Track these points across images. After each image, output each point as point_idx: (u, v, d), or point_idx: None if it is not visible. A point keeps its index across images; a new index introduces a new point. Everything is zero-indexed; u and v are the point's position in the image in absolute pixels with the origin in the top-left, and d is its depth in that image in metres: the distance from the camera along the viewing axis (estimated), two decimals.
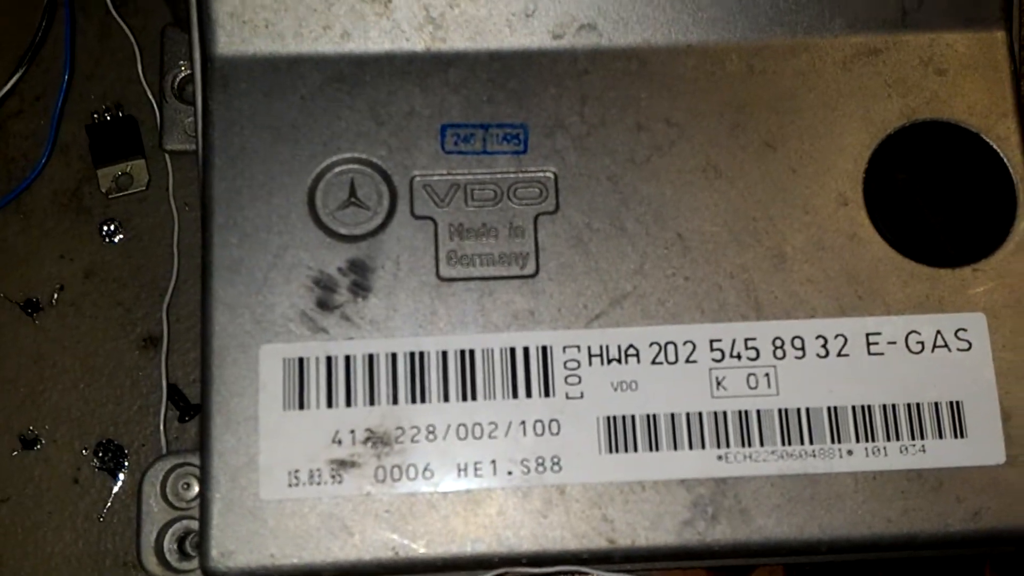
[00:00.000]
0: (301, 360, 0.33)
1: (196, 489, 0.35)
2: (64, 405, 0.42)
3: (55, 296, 0.43)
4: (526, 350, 0.33)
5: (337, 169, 0.34)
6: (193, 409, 0.41)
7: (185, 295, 0.43)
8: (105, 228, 0.43)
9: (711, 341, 0.33)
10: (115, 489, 0.41)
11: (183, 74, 0.44)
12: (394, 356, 0.33)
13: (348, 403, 0.32)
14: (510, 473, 0.32)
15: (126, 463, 0.41)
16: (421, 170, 0.34)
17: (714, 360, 0.33)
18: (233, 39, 0.35)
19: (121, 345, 0.42)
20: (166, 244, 0.43)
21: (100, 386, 0.42)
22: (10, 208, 0.43)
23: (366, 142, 0.34)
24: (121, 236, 0.44)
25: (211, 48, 0.35)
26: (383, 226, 0.34)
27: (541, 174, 0.34)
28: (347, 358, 0.33)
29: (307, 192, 0.34)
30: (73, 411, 0.42)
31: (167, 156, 0.43)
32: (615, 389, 0.33)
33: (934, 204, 0.35)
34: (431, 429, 0.32)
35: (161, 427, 0.40)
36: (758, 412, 0.33)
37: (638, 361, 0.33)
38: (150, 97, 0.44)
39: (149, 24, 0.45)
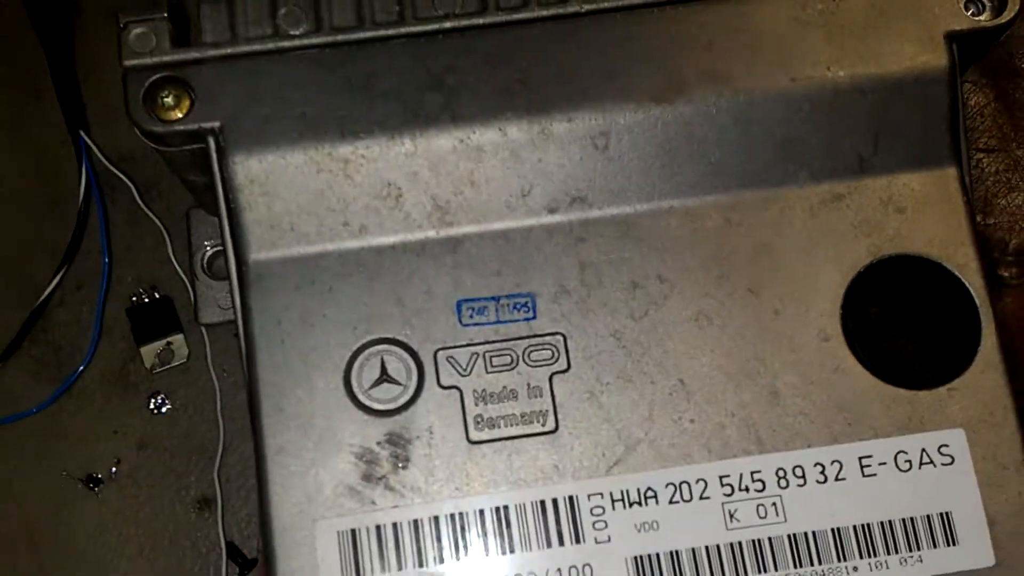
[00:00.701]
0: (354, 532, 0.36)
1: None
2: (130, 574, 0.45)
3: (113, 469, 0.46)
4: (555, 501, 0.36)
5: (368, 351, 0.38)
6: (251, 565, 0.45)
7: (232, 455, 0.46)
8: (153, 401, 0.47)
9: (720, 477, 0.37)
10: None
11: (210, 252, 0.48)
12: (436, 519, 0.36)
13: (399, 567, 0.36)
14: None
15: None
16: (443, 344, 0.38)
17: (725, 495, 0.36)
18: (263, 243, 0.38)
19: (178, 509, 0.46)
20: (210, 410, 0.47)
21: (163, 550, 0.45)
22: (64, 392, 0.47)
23: (391, 323, 0.38)
24: (168, 407, 0.47)
25: (244, 253, 0.38)
26: (414, 399, 0.37)
27: (551, 337, 0.38)
28: (395, 525, 0.36)
29: (343, 374, 0.37)
30: None
31: (203, 329, 0.47)
32: (639, 530, 0.36)
33: (907, 332, 0.38)
34: None
35: None
36: (770, 540, 0.36)
37: (657, 502, 0.36)
38: (181, 276, 0.48)
39: (173, 207, 0.49)
